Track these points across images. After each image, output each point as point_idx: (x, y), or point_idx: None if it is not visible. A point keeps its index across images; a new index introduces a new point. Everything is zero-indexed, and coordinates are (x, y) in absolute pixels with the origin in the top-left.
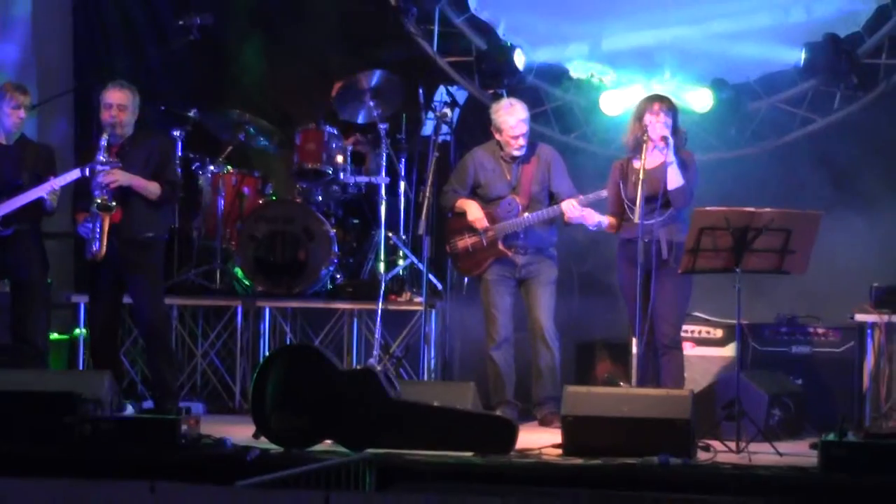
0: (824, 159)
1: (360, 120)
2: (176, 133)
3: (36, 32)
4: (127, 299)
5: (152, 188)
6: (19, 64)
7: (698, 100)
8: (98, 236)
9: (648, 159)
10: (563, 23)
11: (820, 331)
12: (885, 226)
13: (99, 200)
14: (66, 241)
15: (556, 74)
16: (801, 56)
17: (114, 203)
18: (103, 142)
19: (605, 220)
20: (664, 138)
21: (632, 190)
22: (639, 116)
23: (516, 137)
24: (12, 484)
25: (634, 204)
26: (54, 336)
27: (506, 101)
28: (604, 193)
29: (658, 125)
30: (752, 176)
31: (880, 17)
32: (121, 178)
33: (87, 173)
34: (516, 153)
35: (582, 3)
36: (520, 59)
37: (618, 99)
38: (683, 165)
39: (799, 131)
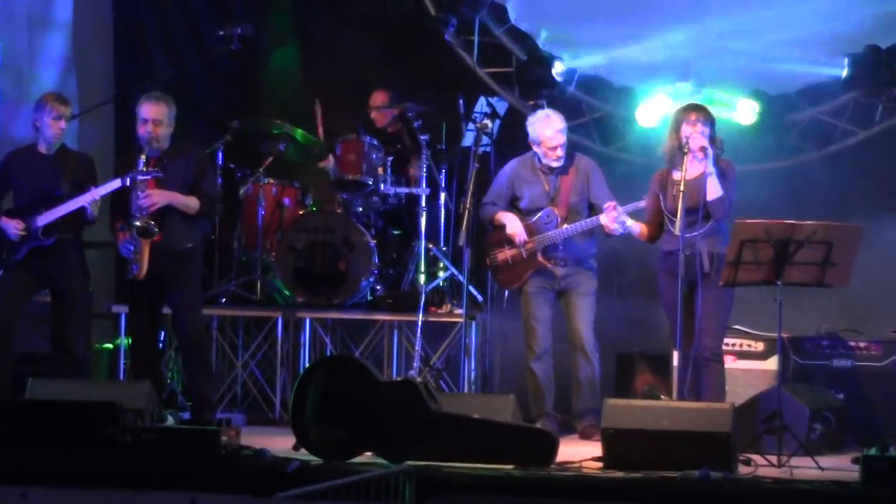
0: (866, 171)
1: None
2: (216, 143)
3: (77, 42)
4: (166, 310)
5: (191, 203)
6: (60, 73)
7: (742, 112)
8: (139, 259)
9: (688, 170)
10: (602, 33)
11: (862, 344)
12: None
13: (139, 224)
14: (106, 251)
15: (596, 85)
16: (841, 67)
17: (155, 229)
18: (141, 163)
19: (637, 226)
20: (703, 148)
21: (672, 202)
22: (675, 127)
23: (554, 148)
24: (53, 494)
25: (675, 216)
26: (95, 346)
27: (542, 113)
28: (642, 204)
29: (696, 136)
30: (794, 187)
31: None
32: (159, 199)
33: (128, 183)
34: (554, 164)
35: (621, 13)
36: (559, 70)
37: (654, 110)
38: (723, 175)
39: (840, 143)
